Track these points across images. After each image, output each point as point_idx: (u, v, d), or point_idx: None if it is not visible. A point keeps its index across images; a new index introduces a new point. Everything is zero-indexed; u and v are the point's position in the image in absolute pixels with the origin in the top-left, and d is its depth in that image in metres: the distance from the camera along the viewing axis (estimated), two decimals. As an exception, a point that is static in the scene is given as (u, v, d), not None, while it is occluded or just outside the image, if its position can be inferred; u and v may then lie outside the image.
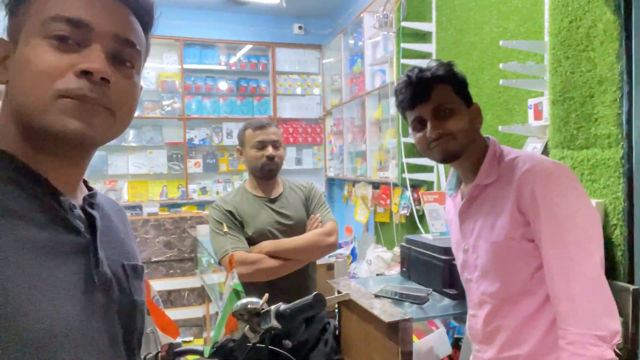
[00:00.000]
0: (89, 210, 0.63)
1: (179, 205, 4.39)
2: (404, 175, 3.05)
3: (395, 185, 3.28)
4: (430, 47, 2.90)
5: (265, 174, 1.78)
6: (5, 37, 0.60)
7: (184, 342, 3.35)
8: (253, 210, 1.76)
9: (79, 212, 0.61)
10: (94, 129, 0.57)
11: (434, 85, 1.15)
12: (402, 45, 2.96)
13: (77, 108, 0.56)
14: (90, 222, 0.62)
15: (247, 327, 0.95)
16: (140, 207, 3.74)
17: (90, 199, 0.65)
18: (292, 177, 4.92)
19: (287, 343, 0.93)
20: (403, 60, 2.97)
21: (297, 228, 1.78)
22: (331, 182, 4.99)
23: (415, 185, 3.11)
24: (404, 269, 1.83)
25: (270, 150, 1.76)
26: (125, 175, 4.37)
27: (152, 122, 4.43)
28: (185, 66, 4.45)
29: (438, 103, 1.14)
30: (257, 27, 4.69)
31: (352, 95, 4.07)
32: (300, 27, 4.82)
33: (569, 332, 1.01)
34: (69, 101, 0.55)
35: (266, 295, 0.92)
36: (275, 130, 1.81)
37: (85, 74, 0.56)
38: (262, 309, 0.93)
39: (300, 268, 1.73)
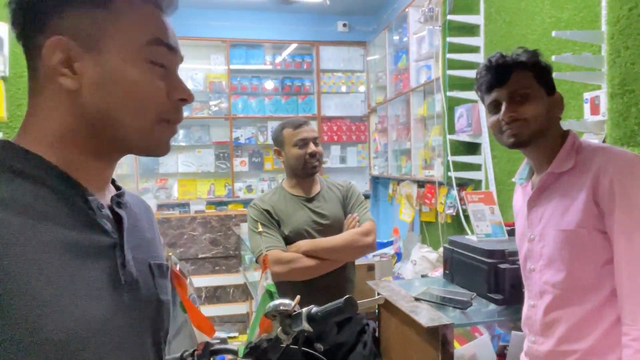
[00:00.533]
0: (117, 209, 0.63)
1: (225, 204, 4.48)
2: (449, 174, 2.96)
3: (440, 183, 3.19)
4: (477, 41, 2.79)
5: (309, 171, 1.78)
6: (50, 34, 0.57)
7: (229, 337, 3.42)
8: (290, 209, 1.76)
9: (107, 212, 0.61)
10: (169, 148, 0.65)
11: (513, 70, 1.15)
12: (448, 39, 2.87)
13: (170, 134, 0.63)
14: (118, 221, 0.63)
15: (280, 328, 0.95)
16: (188, 205, 3.85)
17: (118, 199, 0.65)
18: (336, 176, 4.92)
19: (319, 347, 0.91)
20: (449, 55, 2.87)
21: (334, 228, 1.76)
22: (376, 181, 4.93)
23: (462, 184, 3.01)
24: (447, 272, 1.77)
25: (312, 147, 1.76)
26: (175, 174, 4.51)
27: (200, 122, 4.55)
28: (232, 67, 4.53)
29: (514, 87, 1.14)
30: (302, 26, 4.70)
31: (397, 92, 3.99)
32: (344, 25, 4.79)
33: (635, 328, 0.98)
34: (166, 126, 0.62)
35: (298, 297, 0.91)
36: (314, 127, 1.84)
37: (182, 101, 0.62)
38: (294, 311, 0.92)
39: (338, 268, 1.71)
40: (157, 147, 0.62)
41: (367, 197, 4.94)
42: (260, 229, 1.62)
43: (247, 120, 4.63)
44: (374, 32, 4.70)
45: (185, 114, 4.55)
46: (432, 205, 3.39)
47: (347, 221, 1.78)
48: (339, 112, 4.83)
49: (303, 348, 0.94)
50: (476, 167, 2.90)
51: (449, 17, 2.87)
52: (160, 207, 4.13)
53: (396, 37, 4.06)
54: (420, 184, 3.63)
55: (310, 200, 1.80)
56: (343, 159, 4.89)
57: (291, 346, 0.94)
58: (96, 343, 0.54)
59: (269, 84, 4.69)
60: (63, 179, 0.57)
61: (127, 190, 0.70)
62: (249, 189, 4.59)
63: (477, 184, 2.94)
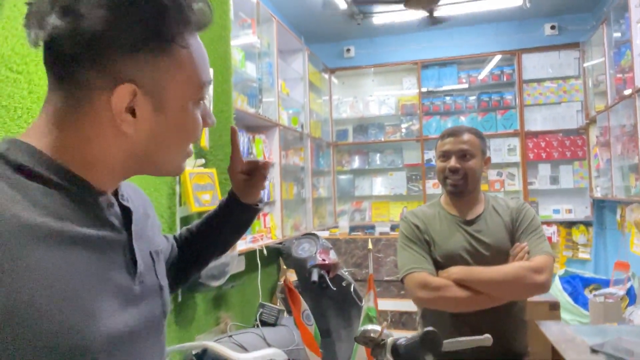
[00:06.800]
0: (124, 203, 0.64)
1: (418, 227, 4.36)
2: (693, 194, 2.24)
3: (681, 207, 2.45)
4: None
5: (448, 188, 1.58)
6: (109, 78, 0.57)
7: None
8: (445, 229, 1.56)
9: (115, 209, 0.62)
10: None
11: None
12: (683, 20, 2.22)
13: (188, 156, 0.67)
14: (125, 215, 0.63)
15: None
16: (373, 227, 3.90)
17: (120, 191, 0.66)
18: (547, 199, 4.30)
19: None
20: (685, 40, 2.22)
21: (495, 258, 1.48)
22: (600, 205, 4.10)
23: None
24: (654, 321, 1.31)
25: (452, 161, 1.54)
26: (370, 197, 4.64)
27: (393, 145, 4.60)
28: (423, 89, 4.46)
29: None
30: (500, 36, 4.33)
31: (620, 96, 3.27)
32: (552, 27, 4.22)
33: None
34: (189, 149, 0.66)
35: (384, 323, 0.80)
36: (469, 139, 1.57)
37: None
38: (382, 340, 0.81)
39: (501, 305, 1.43)
40: (180, 169, 0.66)
41: (588, 224, 4.14)
42: (408, 245, 1.49)
43: (440, 141, 4.47)
44: (591, 31, 4.00)
45: (380, 137, 4.69)
46: (673, 235, 2.62)
47: (513, 251, 1.49)
48: (548, 125, 4.23)
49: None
50: None
51: (684, -9, 2.23)
52: (354, 228, 4.28)
53: (617, 34, 3.36)
54: (656, 207, 2.86)
55: (469, 223, 1.57)
56: (555, 180, 4.23)
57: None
58: (115, 344, 0.54)
59: (464, 102, 4.44)
60: (72, 180, 0.57)
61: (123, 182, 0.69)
62: (443, 212, 4.37)
63: None
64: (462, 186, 1.56)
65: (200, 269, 0.97)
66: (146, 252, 0.67)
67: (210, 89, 2.30)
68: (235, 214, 0.93)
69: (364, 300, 0.98)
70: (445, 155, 1.58)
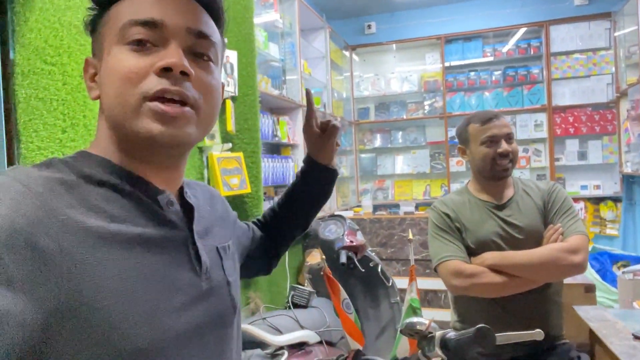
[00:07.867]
0: (188, 200, 0.65)
1: (441, 205, 4.34)
2: None
3: None
4: None
5: (498, 173, 1.54)
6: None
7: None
8: (475, 216, 1.54)
9: (176, 207, 0.62)
10: (178, 131, 0.57)
11: None
12: None
13: (161, 112, 0.56)
14: (186, 213, 0.64)
15: (420, 351, 0.85)
16: (397, 206, 3.90)
17: (184, 189, 0.66)
18: (575, 175, 4.22)
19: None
20: None
21: (529, 241, 1.47)
22: (630, 180, 4.00)
23: None
24: (699, 306, 1.28)
25: (504, 145, 1.51)
26: (392, 175, 4.61)
27: (416, 123, 4.54)
28: (447, 64, 4.36)
29: None
30: (526, 8, 4.18)
31: (655, 68, 3.16)
32: (583, -4, 4.05)
33: None
34: (154, 105, 0.56)
35: (431, 318, 0.80)
36: (507, 122, 1.55)
37: (165, 70, 0.56)
38: (429, 333, 0.81)
39: (536, 288, 1.42)
40: (146, 130, 0.56)
41: (617, 200, 4.06)
42: (440, 234, 1.48)
43: (463, 117, 4.38)
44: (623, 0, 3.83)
45: (402, 115, 4.63)
46: None
47: (547, 233, 1.47)
48: (577, 99, 4.11)
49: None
50: None
51: None
52: (377, 207, 4.28)
53: (653, -1, 3.21)
54: (691, 184, 2.78)
55: (500, 207, 1.55)
56: (583, 155, 4.13)
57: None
58: (178, 340, 0.55)
59: (488, 77, 4.34)
60: (131, 180, 0.58)
61: (185, 180, 0.69)
62: (467, 190, 4.33)
63: None
64: (510, 170, 1.54)
65: (288, 244, 0.99)
66: (212, 248, 0.67)
67: (235, 72, 2.28)
68: (315, 175, 0.93)
69: (407, 291, 0.99)
70: (492, 141, 1.53)
